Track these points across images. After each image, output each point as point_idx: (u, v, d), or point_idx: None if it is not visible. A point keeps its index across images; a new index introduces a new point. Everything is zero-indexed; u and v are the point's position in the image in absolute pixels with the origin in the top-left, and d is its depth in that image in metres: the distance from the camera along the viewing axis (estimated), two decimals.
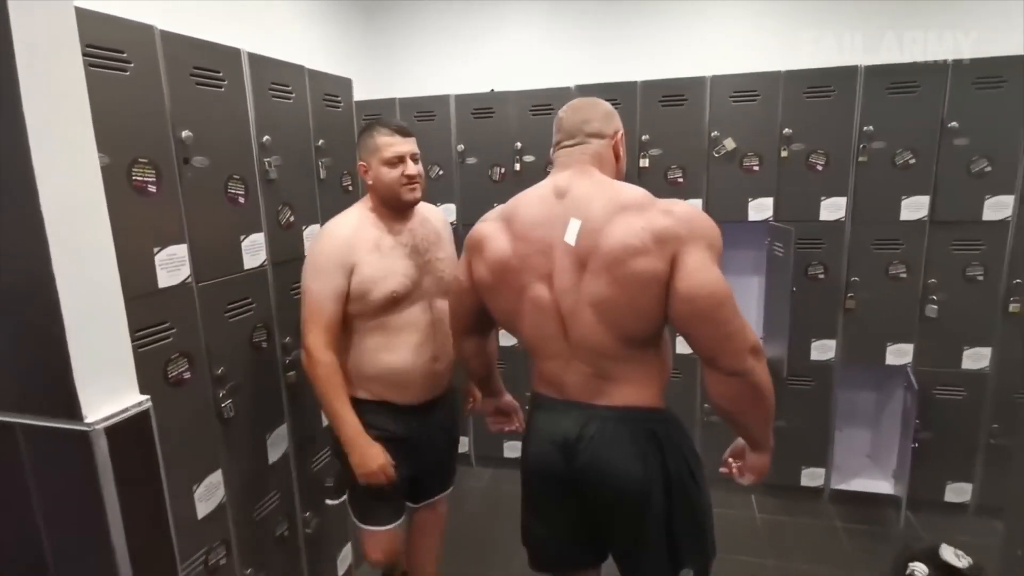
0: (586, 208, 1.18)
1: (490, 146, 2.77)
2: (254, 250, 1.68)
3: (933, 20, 2.61)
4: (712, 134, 2.48)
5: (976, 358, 2.43)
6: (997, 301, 2.37)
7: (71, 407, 0.91)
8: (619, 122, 1.33)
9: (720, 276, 1.11)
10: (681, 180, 2.57)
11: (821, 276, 2.48)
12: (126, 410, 0.98)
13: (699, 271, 1.09)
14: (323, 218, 2.01)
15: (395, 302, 1.56)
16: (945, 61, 2.25)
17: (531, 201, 1.27)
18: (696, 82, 2.47)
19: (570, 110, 1.32)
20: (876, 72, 2.31)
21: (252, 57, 1.65)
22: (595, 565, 1.41)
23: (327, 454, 2.05)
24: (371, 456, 1.54)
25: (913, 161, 2.32)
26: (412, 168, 1.57)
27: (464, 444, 3.07)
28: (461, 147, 2.79)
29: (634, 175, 2.55)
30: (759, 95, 2.42)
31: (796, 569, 2.29)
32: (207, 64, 1.50)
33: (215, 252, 1.55)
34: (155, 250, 1.36)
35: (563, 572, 1.41)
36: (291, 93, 1.83)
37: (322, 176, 1.99)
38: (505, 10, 3.18)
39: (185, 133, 1.42)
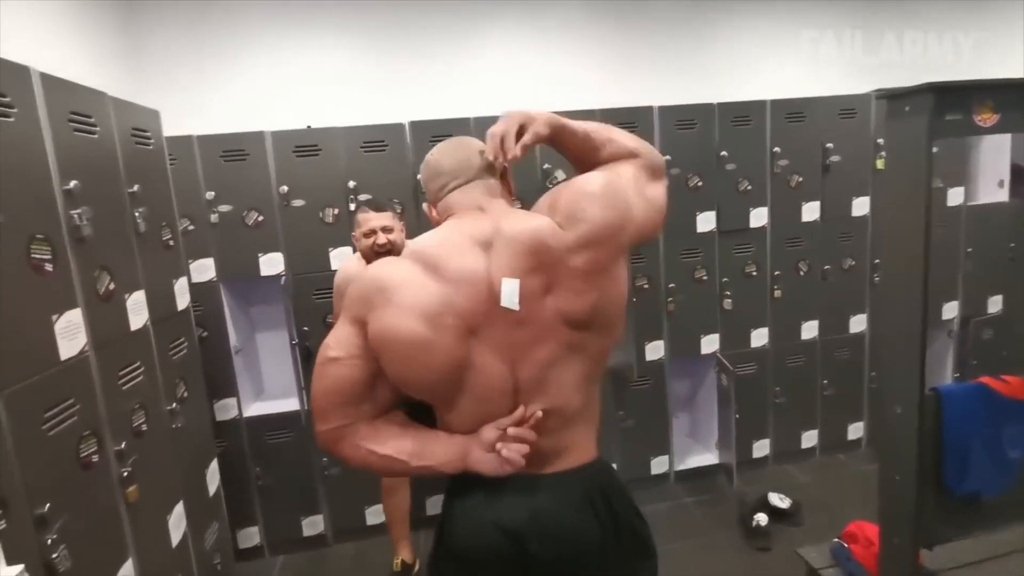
0: (514, 263, 0.97)
1: (319, 186, 2.52)
2: (70, 333, 1.24)
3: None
4: (544, 166, 2.65)
5: (759, 337, 3.01)
6: (766, 290, 2.98)
7: None
8: None
9: (625, 185, 1.05)
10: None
11: (646, 286, 2.82)
12: None
13: (645, 214, 1.05)
14: (146, 281, 1.59)
15: None
16: (711, 104, 2.79)
17: (454, 248, 1.00)
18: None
19: (445, 151, 1.12)
20: (667, 111, 2.75)
21: (46, 78, 1.23)
22: None
23: None
24: None
25: (701, 184, 2.80)
26: (381, 238, 2.04)
27: (319, 523, 2.70)
28: (284, 188, 2.49)
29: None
30: None
31: (669, 550, 2.51)
32: None
33: (21, 343, 1.10)
34: None
35: None
36: (95, 126, 1.42)
37: (141, 230, 1.58)
38: (319, 43, 2.96)
39: None
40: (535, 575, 1.05)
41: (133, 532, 1.41)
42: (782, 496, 2.71)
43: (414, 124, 2.56)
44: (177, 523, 1.64)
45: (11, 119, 1.13)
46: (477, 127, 2.55)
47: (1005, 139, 2.76)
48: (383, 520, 2.69)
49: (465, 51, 3.10)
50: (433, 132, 2.55)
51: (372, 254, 2.01)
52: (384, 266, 1.02)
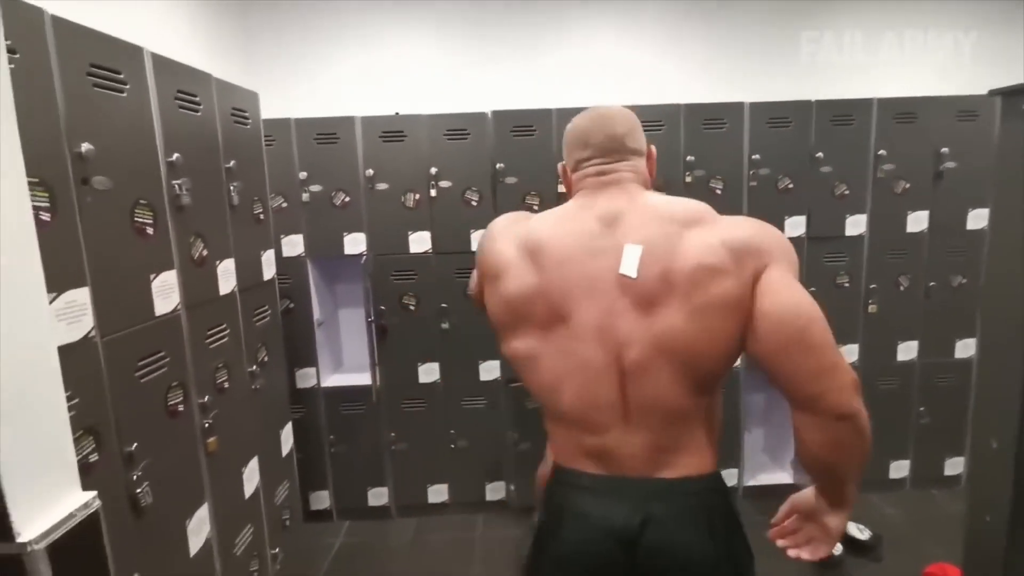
0: (643, 232, 0.96)
1: (402, 171, 2.61)
2: (165, 292, 1.37)
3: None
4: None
5: (847, 354, 2.79)
6: (859, 303, 2.75)
7: None
8: None
9: (811, 298, 0.93)
10: None
11: None
12: (71, 516, 0.71)
13: (788, 289, 0.92)
14: (236, 251, 1.72)
15: None
16: (808, 101, 2.61)
17: (565, 233, 1.01)
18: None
19: (598, 120, 1.07)
20: (759, 108, 2.59)
21: (156, 59, 1.36)
22: None
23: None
24: None
25: (791, 186, 2.63)
26: None
27: (384, 495, 2.81)
28: (370, 172, 2.60)
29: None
30: (663, 126, 2.59)
31: None
32: (106, 62, 1.20)
33: (122, 296, 1.23)
34: (51, 297, 1.03)
35: None
36: (199, 105, 1.55)
37: (234, 203, 1.71)
38: (411, 32, 3.07)
39: (85, 147, 1.11)
40: None
41: (210, 479, 1.54)
42: (861, 527, 2.51)
43: (496, 114, 2.59)
44: (251, 476, 1.77)
45: (124, 94, 1.26)
46: (559, 119, 2.54)
47: None
48: (443, 500, 2.78)
49: (549, 42, 3.09)
50: (515, 122, 2.56)
51: None
52: (500, 244, 1.08)
